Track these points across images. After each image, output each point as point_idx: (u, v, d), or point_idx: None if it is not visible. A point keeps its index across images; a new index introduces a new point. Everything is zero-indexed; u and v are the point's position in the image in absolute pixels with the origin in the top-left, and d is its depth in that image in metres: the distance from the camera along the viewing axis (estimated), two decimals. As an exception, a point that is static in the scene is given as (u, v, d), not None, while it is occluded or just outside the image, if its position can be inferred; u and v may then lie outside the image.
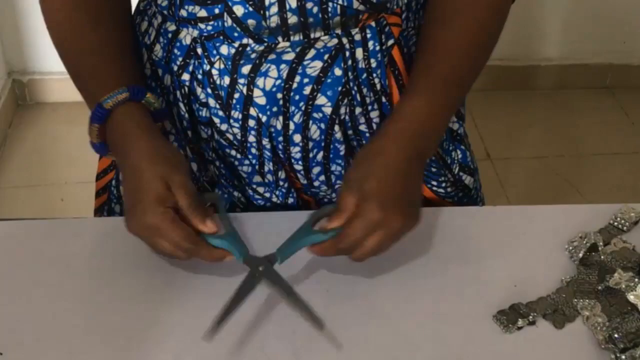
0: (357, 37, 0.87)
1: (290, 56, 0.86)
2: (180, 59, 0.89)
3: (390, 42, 0.90)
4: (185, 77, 0.90)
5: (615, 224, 0.90)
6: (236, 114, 0.89)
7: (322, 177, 0.95)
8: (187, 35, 0.88)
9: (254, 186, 0.95)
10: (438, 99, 0.84)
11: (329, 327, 0.77)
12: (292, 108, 0.89)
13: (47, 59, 2.64)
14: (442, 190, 0.99)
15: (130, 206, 0.79)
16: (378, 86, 0.90)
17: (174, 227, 0.77)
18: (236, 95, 0.88)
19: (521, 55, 2.75)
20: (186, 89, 0.90)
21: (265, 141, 0.90)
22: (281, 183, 0.94)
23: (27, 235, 0.89)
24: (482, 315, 0.79)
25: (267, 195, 0.95)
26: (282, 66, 0.86)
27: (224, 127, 0.91)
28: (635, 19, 2.75)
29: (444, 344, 0.76)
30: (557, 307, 0.80)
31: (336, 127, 0.91)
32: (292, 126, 0.90)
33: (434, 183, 0.99)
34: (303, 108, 0.89)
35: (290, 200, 0.96)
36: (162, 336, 0.77)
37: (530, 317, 0.79)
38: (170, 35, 0.90)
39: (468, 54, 0.87)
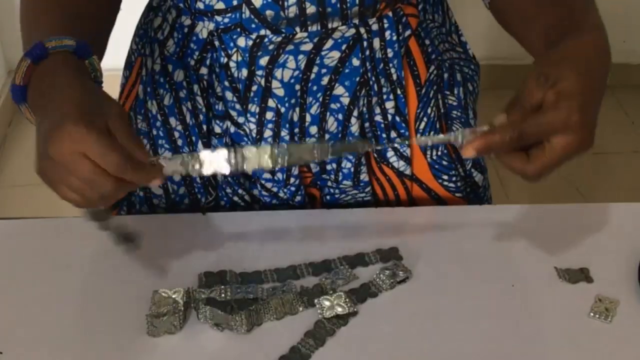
0: (375, 27, 0.88)
1: (308, 47, 0.86)
2: (197, 53, 0.89)
3: (407, 32, 0.91)
4: (203, 70, 0.90)
5: None
6: (253, 108, 0.89)
7: (334, 165, 0.95)
8: (203, 29, 0.88)
9: (263, 182, 0.94)
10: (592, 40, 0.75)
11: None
12: (310, 99, 0.89)
13: (47, 59, 2.63)
14: (452, 185, 0.99)
15: (52, 128, 0.65)
16: (394, 77, 0.91)
17: (107, 141, 0.65)
18: (254, 88, 0.88)
19: (521, 55, 2.73)
20: (204, 82, 0.90)
21: (284, 132, 0.90)
22: (292, 180, 0.94)
23: (27, 235, 0.90)
24: (482, 314, 0.79)
25: (275, 190, 0.95)
26: (300, 57, 0.86)
27: (241, 119, 0.91)
28: (635, 19, 2.75)
29: (444, 344, 0.76)
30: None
31: (353, 119, 0.91)
32: (308, 118, 0.90)
33: (445, 177, 0.98)
34: (320, 99, 0.89)
35: (298, 198, 0.95)
36: (163, 336, 0.77)
37: None
38: (186, 29, 0.90)
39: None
